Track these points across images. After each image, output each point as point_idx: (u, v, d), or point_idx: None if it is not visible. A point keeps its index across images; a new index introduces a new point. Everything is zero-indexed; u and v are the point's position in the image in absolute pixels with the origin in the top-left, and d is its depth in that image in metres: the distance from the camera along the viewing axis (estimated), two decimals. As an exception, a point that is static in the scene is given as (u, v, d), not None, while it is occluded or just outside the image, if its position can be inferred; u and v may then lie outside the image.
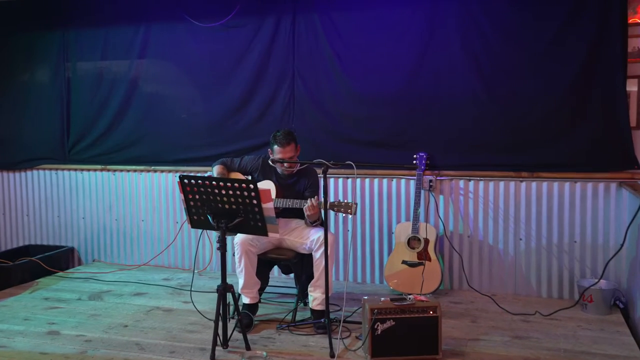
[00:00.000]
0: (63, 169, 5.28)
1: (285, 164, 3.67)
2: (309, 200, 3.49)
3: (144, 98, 4.98)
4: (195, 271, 4.86)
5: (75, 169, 5.24)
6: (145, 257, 5.10)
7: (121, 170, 5.13)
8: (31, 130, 5.29)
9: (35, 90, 5.26)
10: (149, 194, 5.08)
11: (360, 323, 3.40)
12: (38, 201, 5.38)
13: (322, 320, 3.39)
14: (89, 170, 5.21)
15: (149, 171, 5.06)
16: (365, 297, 3.18)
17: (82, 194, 5.25)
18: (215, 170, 3.83)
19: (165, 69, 4.93)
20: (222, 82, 4.77)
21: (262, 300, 4.02)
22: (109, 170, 5.16)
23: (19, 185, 5.43)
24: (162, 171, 5.02)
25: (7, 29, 5.28)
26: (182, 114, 4.89)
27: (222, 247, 3.15)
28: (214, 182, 3.02)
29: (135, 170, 5.10)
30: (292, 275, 4.08)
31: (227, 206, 3.07)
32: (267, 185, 3.73)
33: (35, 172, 5.36)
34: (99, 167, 5.16)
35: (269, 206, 3.01)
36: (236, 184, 2.99)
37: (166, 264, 5.07)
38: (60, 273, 4.87)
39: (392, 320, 3.03)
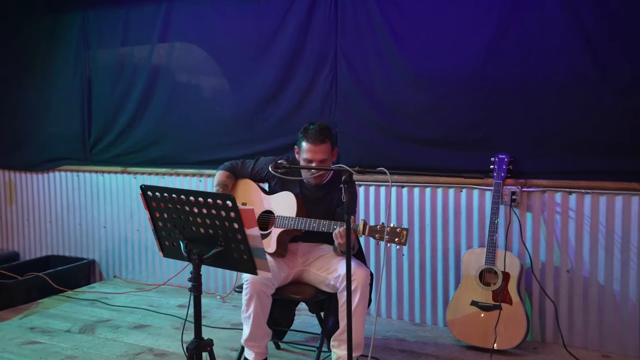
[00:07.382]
0: (84, 171, 4.64)
1: (312, 170, 2.72)
2: (338, 227, 2.53)
3: (166, 88, 4.23)
4: (217, 297, 4.04)
5: (97, 171, 4.59)
6: (168, 274, 4.35)
7: (142, 173, 4.41)
8: (52, 127, 4.71)
9: (55, 82, 4.66)
10: (172, 202, 4.31)
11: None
12: (60, 206, 4.79)
13: (345, 391, 2.41)
14: (109, 172, 4.54)
15: (171, 174, 4.30)
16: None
17: (102, 199, 4.59)
18: (216, 179, 2.95)
19: (189, 53, 4.15)
20: (251, 67, 3.90)
21: (281, 346, 3.12)
22: (129, 172, 4.45)
23: (41, 187, 4.87)
24: (185, 174, 4.24)
25: (24, 9, 4.71)
26: (207, 105, 4.10)
27: (196, 288, 2.26)
28: (182, 196, 2.13)
29: (157, 173, 4.35)
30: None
31: (202, 230, 2.17)
32: (283, 198, 2.79)
33: (57, 173, 4.77)
34: (119, 169, 4.48)
35: (253, 233, 2.07)
36: (210, 199, 2.07)
37: (189, 285, 4.27)
38: (70, 292, 4.21)
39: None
